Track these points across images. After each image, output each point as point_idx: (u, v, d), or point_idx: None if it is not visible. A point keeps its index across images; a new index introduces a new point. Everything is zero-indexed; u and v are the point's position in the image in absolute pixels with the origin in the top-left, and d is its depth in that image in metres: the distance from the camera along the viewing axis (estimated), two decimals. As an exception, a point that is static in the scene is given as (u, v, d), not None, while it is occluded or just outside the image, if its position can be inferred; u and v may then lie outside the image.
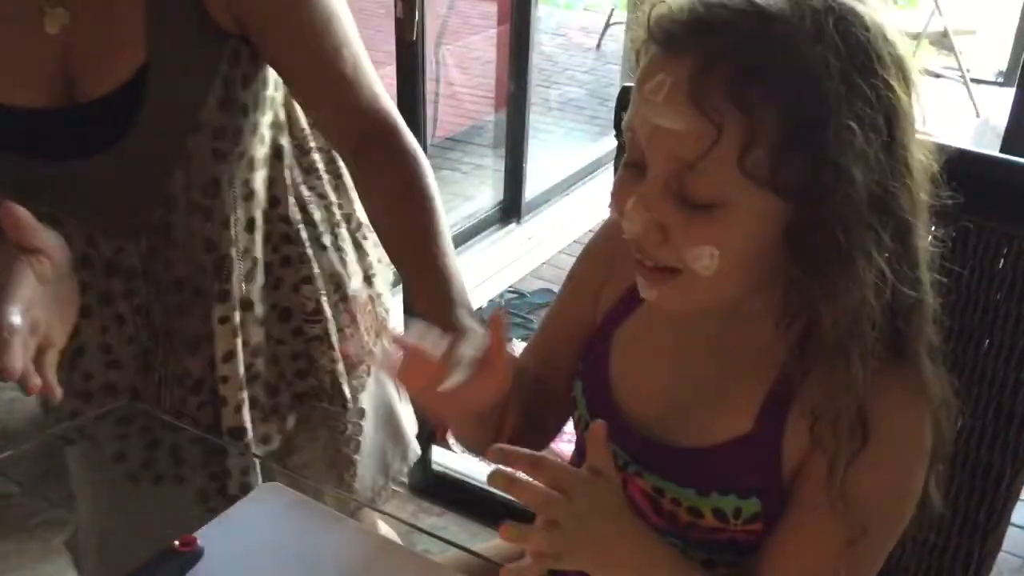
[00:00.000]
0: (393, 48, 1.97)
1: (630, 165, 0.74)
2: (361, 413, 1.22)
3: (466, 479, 2.13)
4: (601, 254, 0.92)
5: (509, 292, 3.01)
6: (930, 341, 0.78)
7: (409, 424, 1.34)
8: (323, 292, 1.12)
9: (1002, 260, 0.93)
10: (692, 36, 0.69)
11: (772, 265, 0.73)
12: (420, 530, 1.19)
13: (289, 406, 1.14)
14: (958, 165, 0.99)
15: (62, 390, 0.87)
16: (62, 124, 0.95)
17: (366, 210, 1.07)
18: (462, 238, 3.09)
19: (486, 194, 3.49)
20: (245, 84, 0.99)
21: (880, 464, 0.75)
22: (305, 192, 1.12)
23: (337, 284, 1.14)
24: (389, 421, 1.31)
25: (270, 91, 1.04)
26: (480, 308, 2.90)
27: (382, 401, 1.28)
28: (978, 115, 4.83)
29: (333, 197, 1.15)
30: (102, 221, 1.00)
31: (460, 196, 3.54)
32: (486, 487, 2.09)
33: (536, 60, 3.68)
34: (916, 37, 5.07)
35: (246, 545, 0.87)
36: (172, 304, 1.04)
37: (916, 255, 0.74)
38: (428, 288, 0.95)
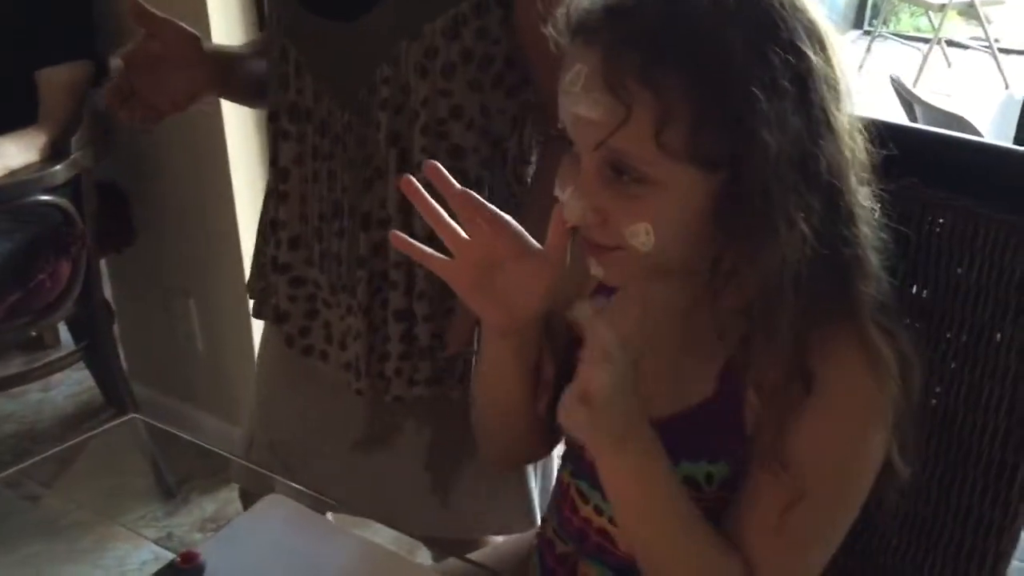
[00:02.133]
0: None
1: (572, 153, 0.78)
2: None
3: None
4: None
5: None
6: (876, 298, 0.79)
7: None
8: None
9: (1012, 253, 0.91)
10: (603, 24, 0.73)
11: (712, 234, 0.76)
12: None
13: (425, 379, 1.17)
14: (970, 156, 0.98)
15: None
16: None
17: None
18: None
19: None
20: (480, 35, 1.05)
21: (823, 424, 0.77)
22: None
23: None
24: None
25: (509, 78, 1.10)
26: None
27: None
28: (1007, 86, 4.74)
29: None
30: (325, 83, 1.11)
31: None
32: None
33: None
34: (942, 8, 4.99)
35: (248, 559, 0.87)
36: (359, 178, 1.11)
37: (845, 212, 0.77)
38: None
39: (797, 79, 0.72)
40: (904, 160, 0.90)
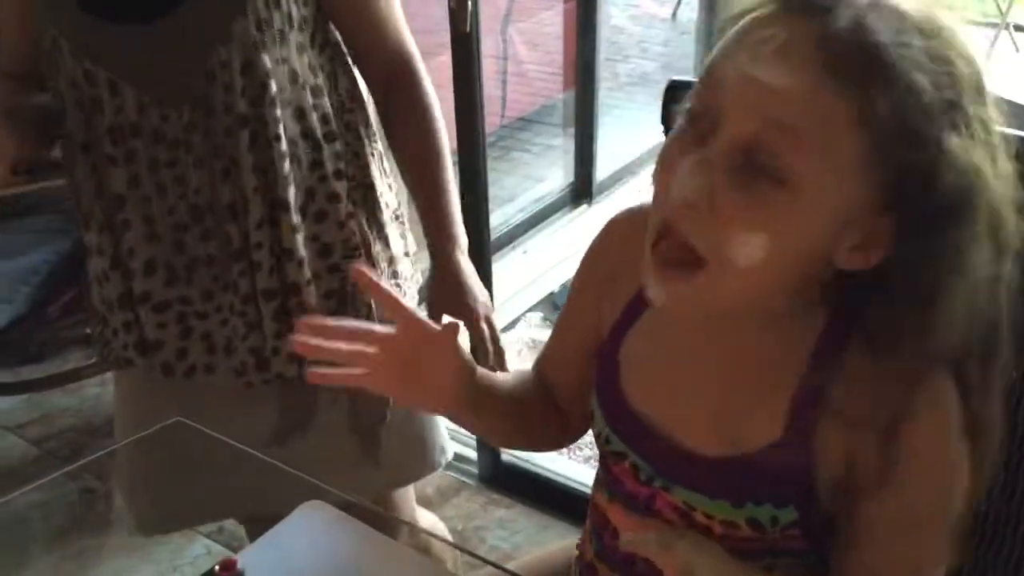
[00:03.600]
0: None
1: (692, 126, 0.68)
2: None
3: (536, 471, 2.12)
4: (602, 259, 0.90)
5: (581, 275, 2.97)
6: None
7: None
8: (365, 226, 1.21)
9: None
10: (831, 8, 0.64)
11: (819, 273, 0.69)
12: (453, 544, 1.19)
13: None
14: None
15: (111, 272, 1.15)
16: None
17: (391, 148, 1.25)
18: (532, 221, 3.06)
19: (556, 175, 3.45)
20: (272, 3, 1.09)
21: (914, 489, 0.74)
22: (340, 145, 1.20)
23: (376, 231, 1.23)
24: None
25: (319, 36, 1.16)
26: (552, 292, 2.88)
27: None
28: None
29: (372, 168, 1.25)
30: (152, 88, 1.09)
31: (531, 178, 3.52)
32: (556, 479, 2.09)
33: (606, 34, 3.61)
34: (1009, -8, 4.83)
35: (287, 566, 0.87)
36: (215, 171, 1.11)
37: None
38: (435, 226, 1.21)
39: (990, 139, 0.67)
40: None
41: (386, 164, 1.28)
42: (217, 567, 0.85)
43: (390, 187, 1.28)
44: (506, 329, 2.25)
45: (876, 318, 0.70)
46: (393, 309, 0.80)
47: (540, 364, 0.97)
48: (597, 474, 0.94)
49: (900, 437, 0.71)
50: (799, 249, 0.67)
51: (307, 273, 1.15)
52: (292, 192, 1.12)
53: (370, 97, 1.24)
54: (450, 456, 1.39)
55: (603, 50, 3.28)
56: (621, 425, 0.85)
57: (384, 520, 1.03)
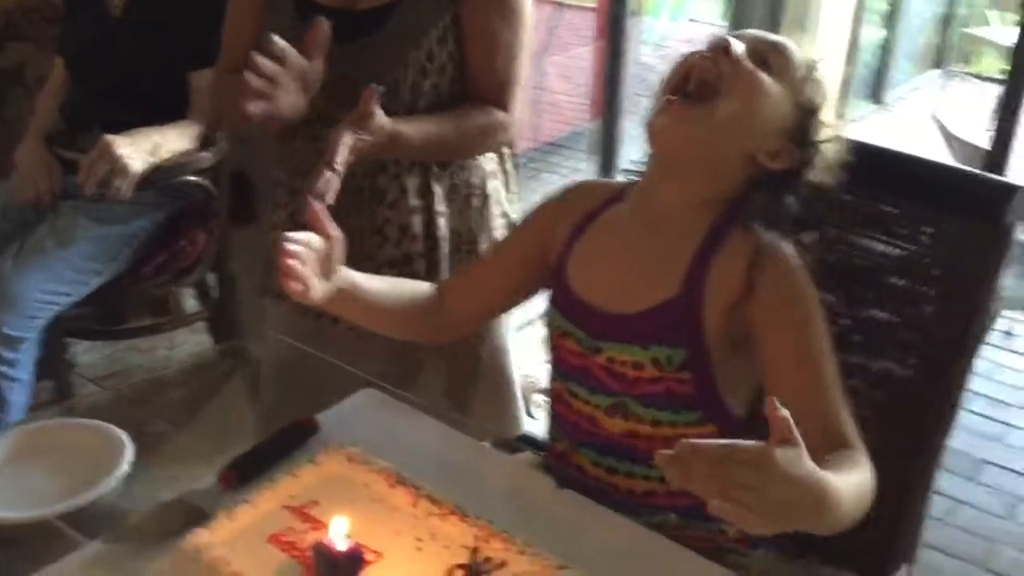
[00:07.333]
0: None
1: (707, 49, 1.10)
2: (478, 357, 1.54)
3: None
4: (555, 207, 1.24)
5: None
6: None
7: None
8: (473, 223, 1.53)
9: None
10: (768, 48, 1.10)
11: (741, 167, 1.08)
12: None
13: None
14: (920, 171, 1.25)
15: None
16: (338, 20, 1.37)
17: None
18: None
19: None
20: (455, 39, 1.40)
21: (791, 314, 1.05)
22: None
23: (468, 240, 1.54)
24: (504, 375, 1.61)
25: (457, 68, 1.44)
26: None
27: (501, 360, 1.61)
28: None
29: (492, 181, 1.57)
30: (339, 95, 1.36)
31: (557, 197, 3.78)
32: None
33: (635, 70, 3.91)
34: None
35: (353, 427, 1.16)
36: (375, 162, 1.42)
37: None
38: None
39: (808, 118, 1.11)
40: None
41: (510, 181, 1.61)
42: (300, 420, 1.16)
43: (508, 199, 1.60)
44: (525, 327, 2.50)
45: (763, 205, 1.08)
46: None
47: (451, 290, 1.27)
48: (552, 361, 1.20)
49: (756, 281, 1.04)
50: (750, 128, 1.06)
51: (420, 247, 1.47)
52: (412, 182, 1.46)
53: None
54: (523, 428, 1.65)
55: (630, 85, 3.57)
56: (565, 309, 1.15)
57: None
